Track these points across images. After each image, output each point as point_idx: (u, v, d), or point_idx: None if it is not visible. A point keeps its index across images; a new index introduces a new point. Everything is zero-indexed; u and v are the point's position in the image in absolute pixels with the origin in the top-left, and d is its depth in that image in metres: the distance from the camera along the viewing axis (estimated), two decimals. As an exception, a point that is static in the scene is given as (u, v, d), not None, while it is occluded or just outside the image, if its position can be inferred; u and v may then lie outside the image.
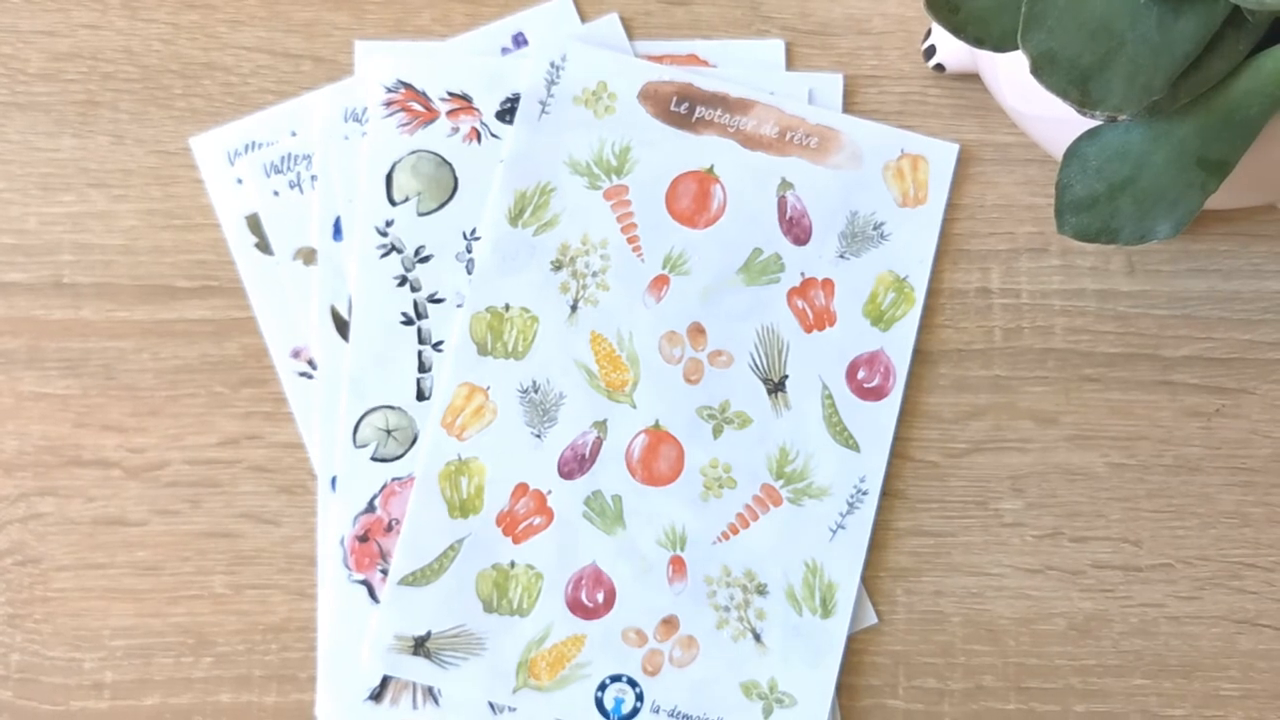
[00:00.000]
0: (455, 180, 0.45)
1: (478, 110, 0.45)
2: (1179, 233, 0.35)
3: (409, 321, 0.44)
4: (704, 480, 0.43)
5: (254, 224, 0.45)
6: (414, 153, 0.45)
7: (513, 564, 0.43)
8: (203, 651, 0.43)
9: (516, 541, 0.43)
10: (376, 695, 0.42)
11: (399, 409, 0.44)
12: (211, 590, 0.43)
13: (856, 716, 0.43)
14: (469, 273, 0.44)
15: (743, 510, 0.43)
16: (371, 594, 0.43)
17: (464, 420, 0.43)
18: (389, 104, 0.45)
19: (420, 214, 0.44)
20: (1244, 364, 0.45)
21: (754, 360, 0.44)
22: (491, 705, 0.42)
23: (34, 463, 0.44)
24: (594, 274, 0.44)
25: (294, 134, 0.45)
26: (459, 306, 0.44)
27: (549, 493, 0.43)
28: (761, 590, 0.43)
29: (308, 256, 0.45)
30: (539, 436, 0.43)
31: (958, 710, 0.43)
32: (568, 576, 0.43)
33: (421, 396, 0.44)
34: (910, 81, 0.46)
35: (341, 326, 0.44)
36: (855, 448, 0.44)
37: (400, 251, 0.44)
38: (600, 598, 0.43)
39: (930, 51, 0.45)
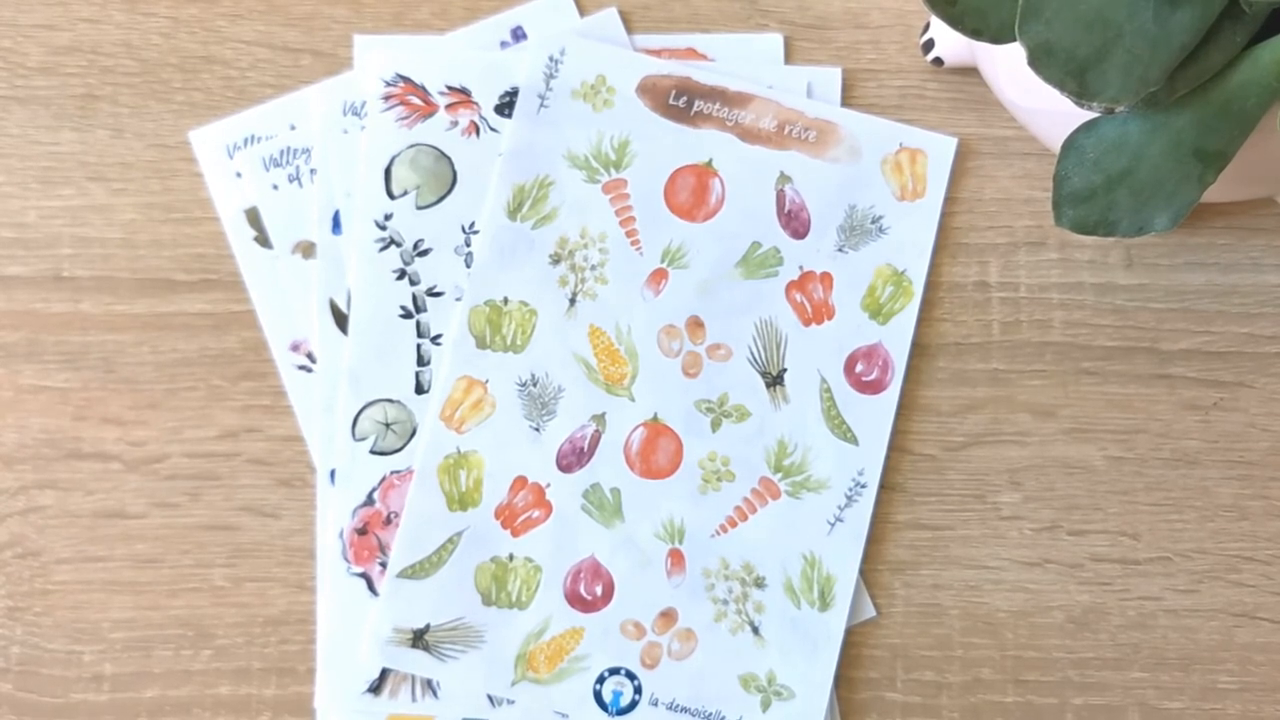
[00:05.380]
0: (454, 174, 0.45)
1: (476, 104, 0.45)
2: (1177, 225, 0.35)
3: (408, 315, 0.44)
4: (702, 473, 0.43)
5: (253, 217, 0.45)
6: (413, 146, 0.45)
7: (511, 557, 0.43)
8: (202, 644, 0.43)
9: (515, 534, 0.43)
10: (375, 688, 0.42)
11: (398, 402, 0.44)
12: (211, 583, 0.43)
13: (855, 709, 0.43)
14: (468, 266, 0.44)
15: (741, 503, 0.43)
16: (370, 587, 0.43)
17: (463, 413, 0.43)
18: (388, 98, 0.45)
19: (419, 207, 0.44)
20: (1242, 357, 0.45)
21: (752, 354, 0.44)
22: (490, 698, 0.42)
23: (34, 456, 0.44)
24: (593, 267, 0.44)
25: (293, 128, 0.45)
26: (458, 300, 0.44)
27: (548, 486, 0.43)
28: (760, 583, 0.43)
29: (307, 250, 0.45)
30: (538, 430, 0.43)
31: (956, 703, 0.43)
32: (566, 569, 0.43)
33: (420, 390, 0.44)
34: (909, 75, 0.46)
35: (340, 320, 0.44)
36: (853, 441, 0.44)
37: (399, 245, 0.44)
38: (599, 590, 0.43)
39: (929, 45, 0.45)
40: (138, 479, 0.44)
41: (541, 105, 0.45)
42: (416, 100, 0.45)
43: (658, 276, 0.44)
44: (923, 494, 0.44)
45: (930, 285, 0.45)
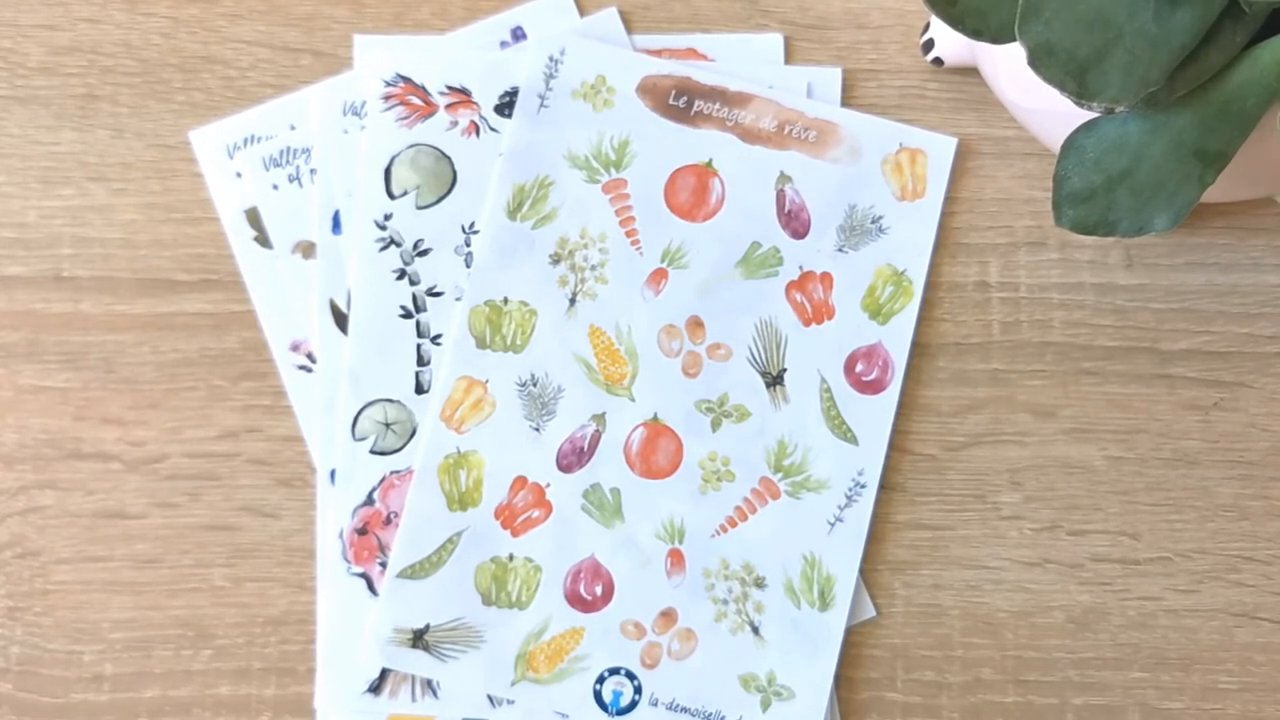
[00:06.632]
0: (454, 174, 0.45)
1: (476, 104, 0.45)
2: (1177, 225, 0.35)
3: (408, 315, 0.44)
4: (702, 473, 0.43)
5: (253, 217, 0.45)
6: (413, 146, 0.45)
7: (511, 557, 0.43)
8: (202, 644, 0.43)
9: (515, 534, 0.43)
10: (375, 688, 0.42)
11: (398, 402, 0.44)
12: (211, 583, 0.43)
13: (855, 709, 0.43)
14: (468, 266, 0.44)
15: (741, 503, 0.43)
16: (370, 587, 0.43)
17: (463, 413, 0.43)
18: (388, 98, 0.45)
19: (419, 207, 0.44)
20: (1242, 357, 0.45)
21: (752, 354, 0.44)
22: (490, 698, 0.42)
23: (34, 456, 0.44)
24: (592, 267, 0.44)
25: (293, 128, 0.45)
26: (458, 300, 0.44)
27: (548, 486, 0.43)
28: (760, 583, 0.43)
29: (307, 250, 0.45)
30: (538, 430, 0.43)
31: (956, 703, 0.43)
32: (566, 569, 0.43)
33: (420, 390, 0.44)
34: (909, 75, 0.46)
35: (340, 320, 0.44)
36: (853, 441, 0.44)
37: (399, 245, 0.44)
38: (599, 590, 0.43)
39: (929, 45, 0.45)
40: (138, 479, 0.44)
41: (541, 105, 0.45)
42: (416, 100, 0.45)
43: (658, 276, 0.44)
44: (923, 494, 0.44)
45: (930, 285, 0.45)
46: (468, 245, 0.44)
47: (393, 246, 0.44)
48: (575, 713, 0.42)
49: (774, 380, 0.44)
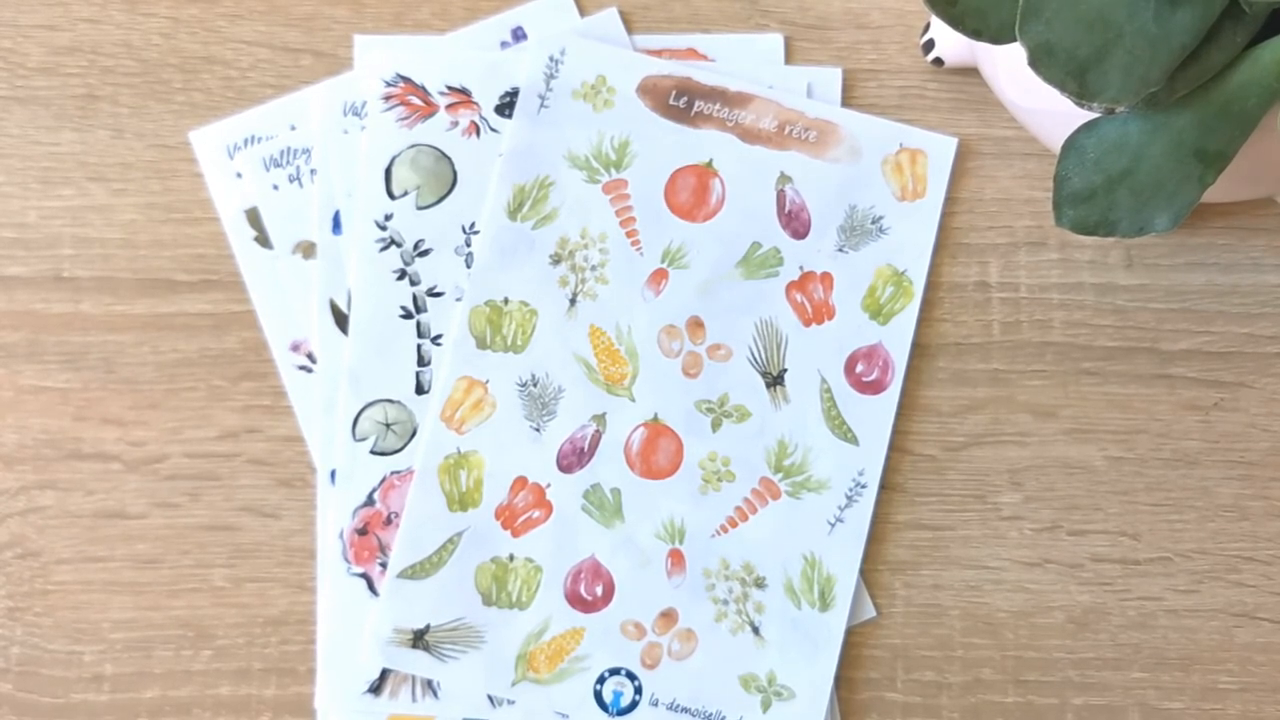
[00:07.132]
0: (454, 174, 0.45)
1: (477, 104, 0.45)
2: (1177, 225, 0.35)
3: (408, 315, 0.44)
4: (703, 474, 0.43)
5: (253, 218, 0.45)
6: (413, 146, 0.45)
7: (512, 557, 0.43)
8: (202, 644, 0.43)
9: (515, 535, 0.43)
10: (375, 688, 0.42)
11: (398, 402, 0.44)
12: (211, 583, 0.43)
13: (855, 709, 0.43)
14: (468, 266, 0.44)
15: (741, 504, 0.43)
16: (371, 587, 0.43)
17: (463, 414, 0.43)
18: (388, 98, 0.45)
19: (419, 208, 0.44)
20: (1242, 357, 0.45)
21: (753, 354, 0.44)
22: (490, 698, 0.42)
23: (34, 456, 0.44)
24: (593, 268, 0.44)
25: (293, 128, 0.45)
26: (458, 300, 0.44)
27: (548, 486, 0.43)
28: (760, 583, 0.43)
29: (307, 250, 0.45)
30: (538, 430, 0.43)
31: (956, 703, 0.43)
32: (567, 569, 0.43)
33: (421, 390, 0.44)
34: (909, 75, 0.46)
35: (341, 320, 0.44)
36: (854, 441, 0.44)
37: (399, 245, 0.44)
38: (599, 591, 0.43)
39: (929, 45, 0.45)
40: (138, 479, 0.44)
41: (542, 105, 0.45)
42: (417, 100, 0.45)
43: (658, 277, 0.44)
44: (923, 494, 0.44)
45: (930, 285, 0.45)
46: (468, 245, 0.44)
47: (393, 247, 0.44)
48: (575, 713, 0.42)
49: (774, 380, 0.44)
